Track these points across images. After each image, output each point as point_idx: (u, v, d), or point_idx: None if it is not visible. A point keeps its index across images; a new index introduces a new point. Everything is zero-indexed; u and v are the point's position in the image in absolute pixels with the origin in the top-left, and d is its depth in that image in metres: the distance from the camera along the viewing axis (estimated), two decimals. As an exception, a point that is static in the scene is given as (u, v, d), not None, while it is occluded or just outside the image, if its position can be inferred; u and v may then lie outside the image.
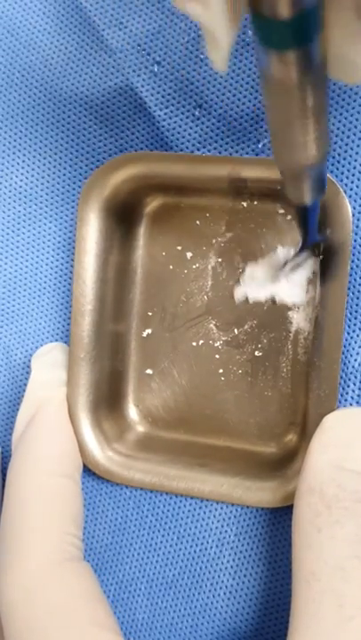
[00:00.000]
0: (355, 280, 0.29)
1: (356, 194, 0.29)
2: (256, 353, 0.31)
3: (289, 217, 0.31)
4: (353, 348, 0.29)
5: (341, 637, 0.25)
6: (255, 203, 0.31)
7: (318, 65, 0.19)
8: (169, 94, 0.31)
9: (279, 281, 0.30)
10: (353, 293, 0.29)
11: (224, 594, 0.31)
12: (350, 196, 0.29)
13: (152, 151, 0.31)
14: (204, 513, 0.31)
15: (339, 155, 0.29)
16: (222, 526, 0.31)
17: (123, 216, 0.32)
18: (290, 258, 0.30)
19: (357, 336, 0.29)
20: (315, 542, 0.25)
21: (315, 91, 0.19)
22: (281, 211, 0.31)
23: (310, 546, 0.26)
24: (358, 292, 0.29)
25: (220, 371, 0.32)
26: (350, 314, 0.29)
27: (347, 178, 0.29)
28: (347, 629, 0.25)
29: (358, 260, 0.29)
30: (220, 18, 0.19)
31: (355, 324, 0.29)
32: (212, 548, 0.31)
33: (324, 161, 0.22)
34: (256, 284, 0.31)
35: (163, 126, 0.31)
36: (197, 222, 0.32)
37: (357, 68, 0.21)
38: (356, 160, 0.29)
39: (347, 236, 0.28)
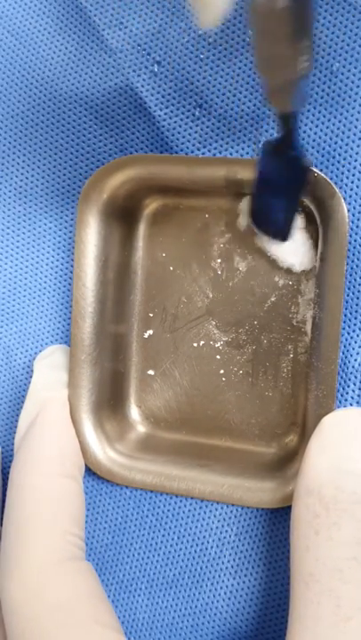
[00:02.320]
0: (354, 280, 0.29)
1: (356, 194, 0.29)
2: (256, 353, 0.32)
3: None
4: (353, 348, 0.29)
5: (340, 638, 0.25)
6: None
7: None
8: (169, 94, 0.31)
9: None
10: (353, 293, 0.29)
11: (224, 594, 0.31)
12: (349, 197, 0.29)
13: (151, 153, 0.31)
14: (205, 513, 0.31)
15: (338, 155, 0.29)
16: (222, 526, 0.31)
17: (122, 218, 0.32)
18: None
19: (357, 336, 0.29)
20: (313, 544, 0.26)
21: (302, 12, 0.20)
22: (280, 211, 0.31)
23: (308, 547, 0.26)
24: (358, 291, 0.29)
25: (221, 371, 0.32)
26: (350, 314, 0.29)
27: (347, 178, 0.29)
28: (345, 630, 0.25)
29: (356, 260, 0.29)
30: None
31: (354, 324, 0.29)
32: (212, 547, 0.31)
33: (310, 72, 0.23)
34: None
35: (163, 126, 0.31)
36: (197, 223, 0.32)
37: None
38: (356, 160, 0.29)
39: (343, 237, 0.28)
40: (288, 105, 0.24)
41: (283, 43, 0.21)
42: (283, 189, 0.27)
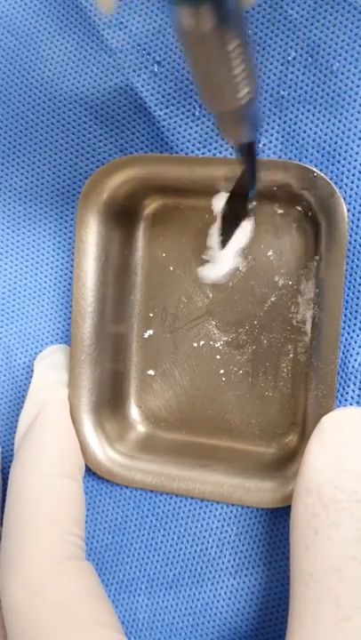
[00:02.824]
0: (354, 280, 0.29)
1: (356, 194, 0.29)
2: (256, 353, 0.32)
3: (288, 217, 0.31)
4: (353, 348, 0.29)
5: (339, 638, 0.25)
6: (253, 203, 0.31)
7: (234, 10, 0.18)
8: (169, 94, 0.31)
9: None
10: (353, 293, 0.29)
11: (224, 594, 0.31)
12: (349, 196, 0.29)
13: (151, 153, 0.31)
14: (205, 513, 0.31)
15: (338, 155, 0.29)
16: (222, 526, 0.31)
17: (122, 218, 0.32)
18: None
19: (357, 336, 0.29)
20: (312, 544, 0.26)
21: (233, 36, 0.19)
22: (280, 211, 0.31)
23: (307, 547, 0.26)
24: (358, 291, 0.29)
25: (221, 371, 0.32)
26: (350, 313, 0.29)
27: (347, 178, 0.29)
28: (344, 630, 0.25)
29: (356, 260, 0.29)
30: None
31: (354, 324, 0.29)
32: (212, 547, 0.31)
33: (255, 101, 0.22)
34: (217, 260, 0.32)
35: (163, 126, 0.31)
36: (197, 223, 0.32)
37: None
38: (356, 160, 0.29)
39: (343, 237, 0.28)
40: (236, 136, 0.23)
41: (216, 68, 0.19)
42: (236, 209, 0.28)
